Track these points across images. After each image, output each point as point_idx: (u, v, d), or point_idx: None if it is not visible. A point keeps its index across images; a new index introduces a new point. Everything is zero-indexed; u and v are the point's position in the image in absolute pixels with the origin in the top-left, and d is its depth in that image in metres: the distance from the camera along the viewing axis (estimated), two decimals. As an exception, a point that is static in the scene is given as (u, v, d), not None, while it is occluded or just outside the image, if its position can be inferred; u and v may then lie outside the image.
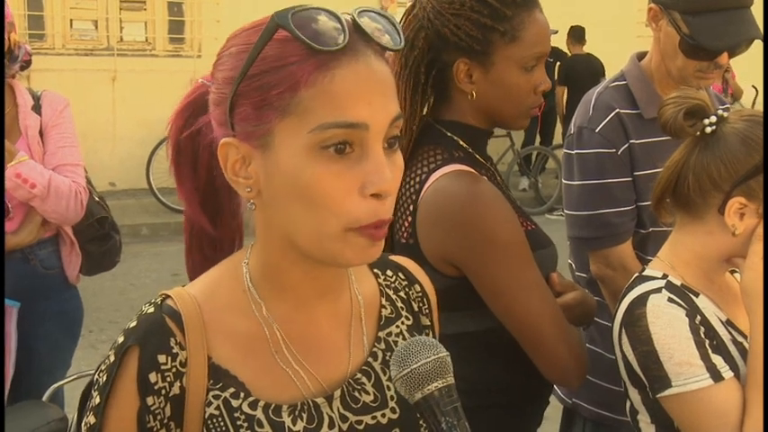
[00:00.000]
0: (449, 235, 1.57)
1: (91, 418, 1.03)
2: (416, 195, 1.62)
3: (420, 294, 1.24)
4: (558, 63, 10.42)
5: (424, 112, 1.72)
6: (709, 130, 1.55)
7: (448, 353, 1.00)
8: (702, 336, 1.51)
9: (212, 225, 1.15)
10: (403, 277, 1.23)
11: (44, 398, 2.47)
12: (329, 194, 0.95)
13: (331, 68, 0.95)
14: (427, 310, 1.24)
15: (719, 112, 1.56)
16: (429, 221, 1.59)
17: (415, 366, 0.97)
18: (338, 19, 0.96)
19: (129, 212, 8.30)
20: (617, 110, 2.16)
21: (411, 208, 1.62)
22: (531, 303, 1.57)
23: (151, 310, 1.04)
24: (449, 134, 1.69)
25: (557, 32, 10.26)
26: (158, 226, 8.57)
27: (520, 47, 1.63)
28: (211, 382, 1.03)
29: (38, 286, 2.79)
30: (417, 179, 1.63)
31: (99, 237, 2.93)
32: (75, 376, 2.66)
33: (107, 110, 9.45)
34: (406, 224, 1.63)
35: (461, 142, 1.69)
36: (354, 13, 0.99)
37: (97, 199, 2.94)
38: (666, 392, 1.50)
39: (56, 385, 2.54)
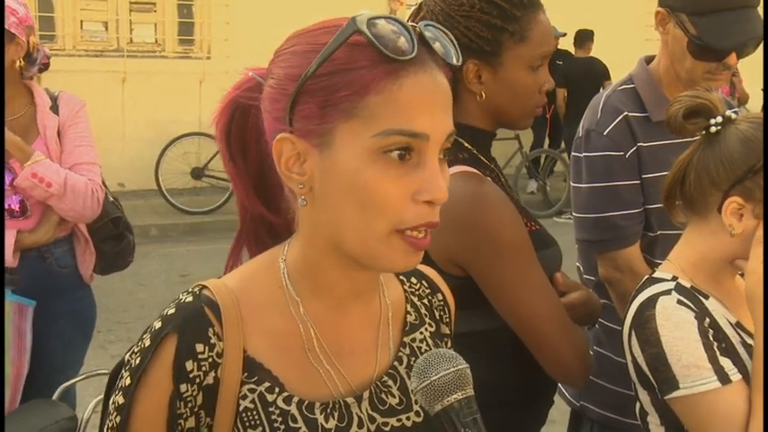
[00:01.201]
0: (454, 236, 1.58)
1: (120, 398, 1.04)
2: None
3: (442, 303, 1.27)
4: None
5: None
6: (713, 130, 1.56)
7: (468, 365, 1.02)
8: (711, 338, 1.51)
9: (269, 211, 1.16)
10: (426, 285, 1.26)
11: (54, 396, 2.49)
12: (384, 197, 0.98)
13: (400, 77, 0.98)
14: (447, 320, 1.27)
15: (728, 113, 1.57)
16: None
17: (434, 378, 0.99)
18: (407, 30, 0.99)
19: (138, 213, 8.32)
20: (625, 113, 2.16)
21: None
22: (535, 303, 1.59)
23: (190, 298, 1.06)
24: None
25: (565, 35, 10.23)
26: (167, 227, 8.60)
27: (528, 47, 1.65)
28: (246, 374, 1.04)
29: (52, 285, 2.82)
30: None
31: (113, 236, 2.96)
32: (84, 376, 2.68)
33: (117, 111, 9.49)
34: None
35: (465, 144, 1.70)
36: (421, 26, 1.02)
37: (111, 199, 2.98)
38: (674, 394, 1.50)
39: (65, 384, 2.55)
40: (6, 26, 2.61)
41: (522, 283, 1.59)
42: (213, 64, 9.43)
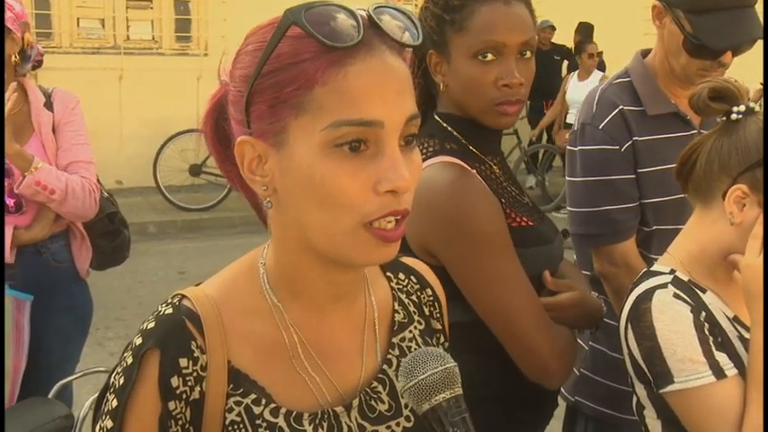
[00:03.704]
0: (427, 225, 1.57)
1: (108, 422, 1.00)
2: None
3: (431, 298, 1.23)
4: (567, 61, 10.41)
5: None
6: (734, 117, 1.55)
7: (455, 363, 1.00)
8: (706, 332, 1.50)
9: None
10: (415, 281, 1.22)
11: (50, 394, 2.48)
12: (343, 192, 0.94)
13: (345, 65, 0.93)
14: (438, 315, 1.24)
15: (752, 104, 1.57)
16: (412, 211, 1.59)
17: (422, 377, 0.97)
18: (353, 15, 0.95)
19: (136, 210, 8.31)
20: (620, 107, 2.15)
21: None
22: (505, 296, 1.57)
23: (169, 311, 1.02)
24: (444, 125, 1.70)
25: (554, 28, 10.13)
26: (165, 224, 8.59)
27: (467, 36, 1.63)
28: (231, 386, 1.01)
29: (49, 280, 2.83)
30: None
31: (109, 232, 2.97)
32: (81, 373, 2.67)
33: (114, 108, 9.47)
34: None
35: (456, 134, 1.69)
36: (371, 9, 0.97)
37: (106, 195, 2.99)
38: (669, 388, 1.50)
39: (62, 382, 2.55)
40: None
41: (493, 275, 1.57)
42: (210, 61, 9.40)
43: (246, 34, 1.04)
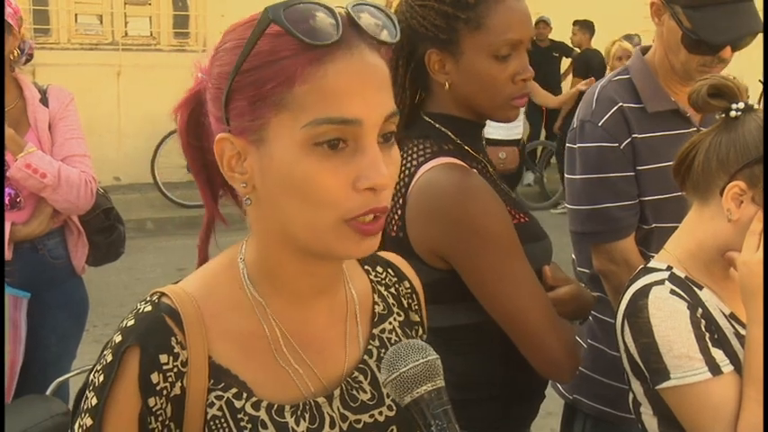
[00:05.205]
0: (437, 228, 1.56)
1: (87, 420, 1.01)
2: (406, 188, 1.61)
3: (409, 291, 1.24)
4: (569, 58, 10.39)
5: (407, 106, 1.71)
6: (734, 114, 1.56)
7: (438, 356, 1.00)
8: (703, 329, 1.51)
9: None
10: (393, 274, 1.23)
11: (48, 391, 2.48)
12: (323, 189, 0.95)
13: (324, 63, 0.94)
14: (416, 307, 1.25)
15: (751, 102, 1.57)
16: (418, 214, 1.59)
17: (403, 370, 0.98)
18: (332, 13, 0.96)
19: (134, 207, 8.30)
20: (620, 104, 2.15)
21: (400, 201, 1.62)
22: (518, 295, 1.56)
23: (149, 308, 1.02)
24: (437, 125, 1.69)
25: (548, 24, 9.98)
26: (163, 220, 8.59)
27: (487, 34, 1.61)
28: (212, 382, 1.01)
29: (46, 276, 2.83)
30: (407, 172, 1.62)
31: (105, 228, 2.98)
32: (78, 370, 2.66)
33: (112, 104, 9.47)
34: (396, 217, 1.63)
35: (450, 134, 1.68)
36: (349, 7, 0.98)
37: (101, 191, 2.98)
38: (665, 385, 1.50)
39: (60, 379, 2.55)
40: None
41: (506, 275, 1.56)
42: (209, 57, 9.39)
43: (225, 31, 1.04)
